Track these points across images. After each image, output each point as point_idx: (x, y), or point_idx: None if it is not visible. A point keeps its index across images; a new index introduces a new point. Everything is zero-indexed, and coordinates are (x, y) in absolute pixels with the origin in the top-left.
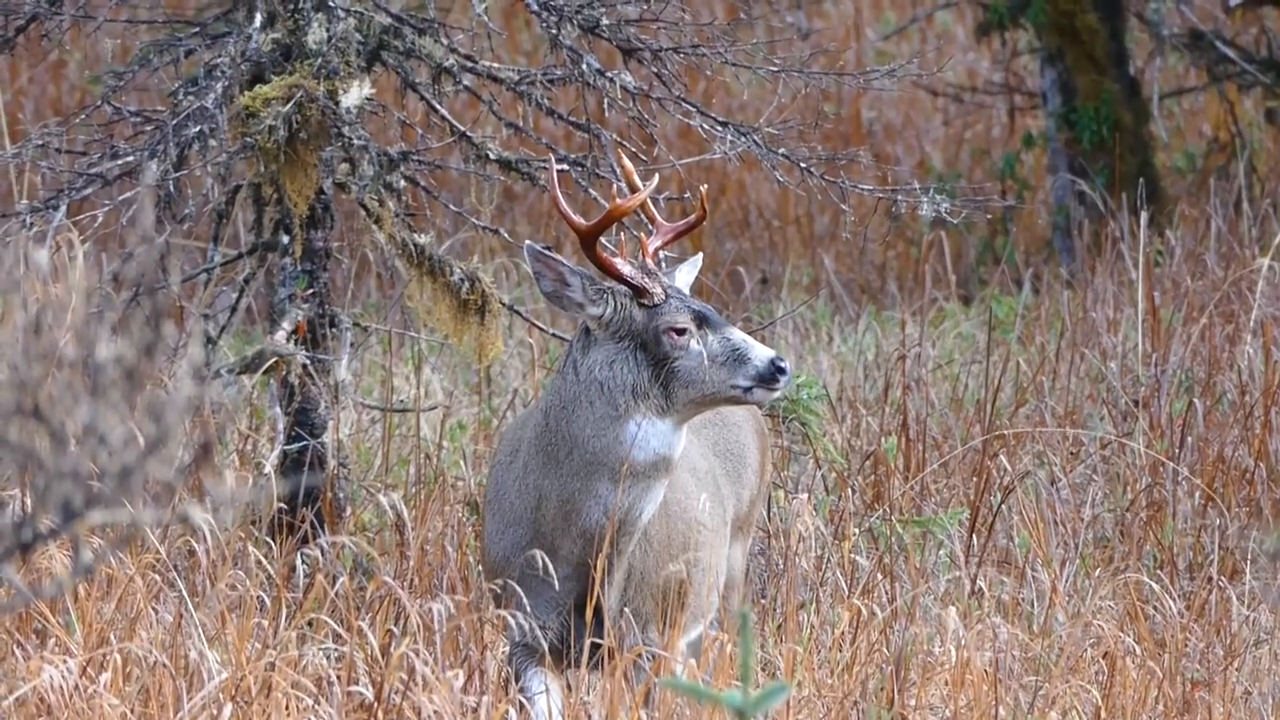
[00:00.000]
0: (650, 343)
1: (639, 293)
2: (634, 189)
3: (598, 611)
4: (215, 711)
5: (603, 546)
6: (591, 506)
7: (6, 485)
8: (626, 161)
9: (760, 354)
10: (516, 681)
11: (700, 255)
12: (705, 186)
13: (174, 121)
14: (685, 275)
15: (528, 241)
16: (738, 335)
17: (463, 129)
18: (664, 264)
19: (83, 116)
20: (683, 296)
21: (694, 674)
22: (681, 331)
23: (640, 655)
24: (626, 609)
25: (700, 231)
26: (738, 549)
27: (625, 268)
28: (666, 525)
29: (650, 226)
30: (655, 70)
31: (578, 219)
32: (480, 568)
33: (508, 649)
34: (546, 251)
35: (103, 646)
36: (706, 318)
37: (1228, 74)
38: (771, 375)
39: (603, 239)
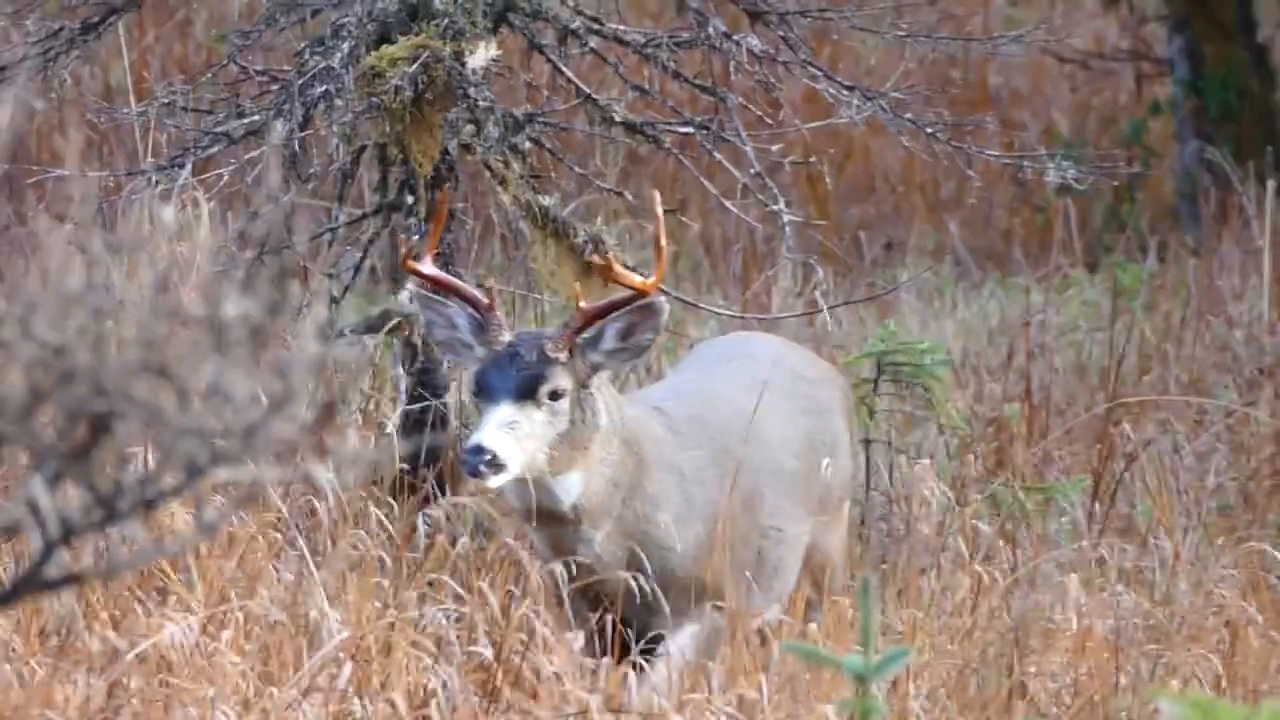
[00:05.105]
0: None
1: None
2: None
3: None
4: (335, 670)
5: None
6: None
7: (131, 443)
8: (659, 206)
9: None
10: (636, 643)
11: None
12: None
13: (300, 81)
14: None
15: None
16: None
17: (588, 91)
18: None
19: (209, 75)
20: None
21: (814, 639)
22: None
23: (761, 623)
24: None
25: (825, 196)
26: (833, 532)
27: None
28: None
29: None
30: (782, 34)
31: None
32: None
33: None
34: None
35: (223, 604)
36: None
37: None
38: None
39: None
